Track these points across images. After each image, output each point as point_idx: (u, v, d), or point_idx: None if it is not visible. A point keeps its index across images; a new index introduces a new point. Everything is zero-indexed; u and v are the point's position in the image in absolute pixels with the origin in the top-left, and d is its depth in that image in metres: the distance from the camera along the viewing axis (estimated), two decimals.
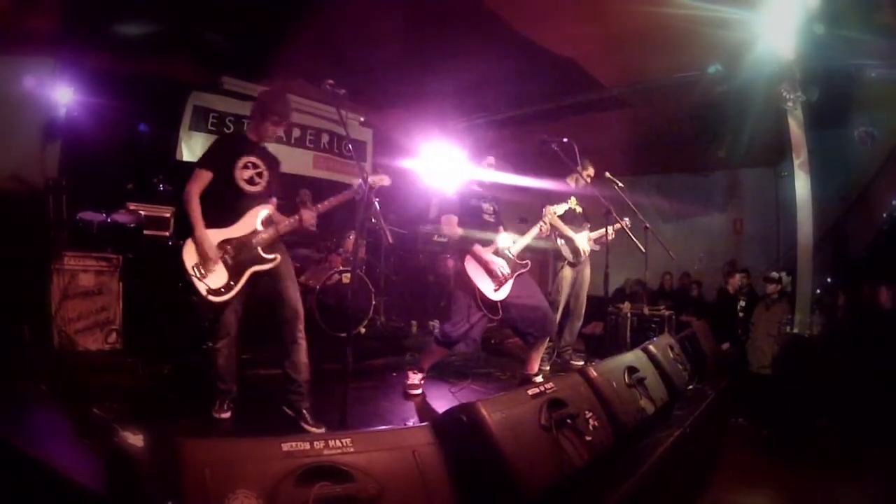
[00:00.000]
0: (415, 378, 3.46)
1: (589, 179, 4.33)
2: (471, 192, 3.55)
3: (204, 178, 2.63)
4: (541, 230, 3.53)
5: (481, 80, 5.61)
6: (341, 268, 4.78)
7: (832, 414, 4.16)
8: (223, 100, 5.87)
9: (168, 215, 4.50)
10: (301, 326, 2.71)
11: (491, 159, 3.60)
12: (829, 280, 5.67)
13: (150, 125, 5.56)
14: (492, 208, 3.60)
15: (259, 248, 2.68)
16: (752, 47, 4.48)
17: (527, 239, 3.53)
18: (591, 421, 1.99)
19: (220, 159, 2.68)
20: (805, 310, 5.15)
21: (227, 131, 5.77)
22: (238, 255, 2.63)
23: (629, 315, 4.80)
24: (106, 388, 3.03)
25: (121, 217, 4.32)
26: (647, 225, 4.22)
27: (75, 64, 4.87)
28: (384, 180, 2.74)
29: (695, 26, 4.16)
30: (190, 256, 2.57)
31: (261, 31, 4.75)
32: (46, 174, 4.60)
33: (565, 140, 3.70)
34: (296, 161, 6.57)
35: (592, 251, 4.47)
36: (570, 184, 4.34)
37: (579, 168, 4.14)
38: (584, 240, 4.40)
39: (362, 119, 7.10)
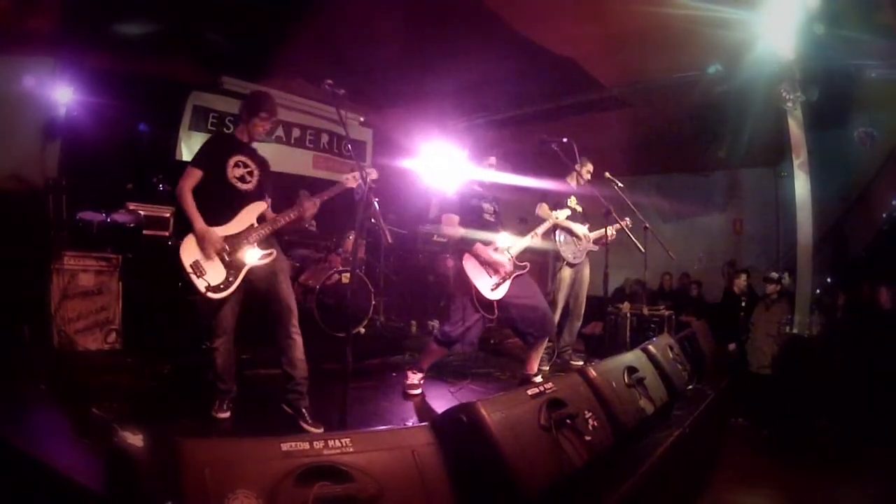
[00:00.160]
0: (414, 378, 3.46)
1: (589, 175, 4.33)
2: (471, 192, 3.55)
3: (195, 175, 2.67)
4: (533, 236, 3.55)
5: (481, 80, 5.61)
6: (341, 268, 4.78)
7: (832, 414, 4.16)
8: (223, 100, 5.86)
9: (168, 215, 4.50)
10: (295, 322, 2.73)
11: (493, 159, 3.60)
12: (828, 280, 5.67)
13: (150, 125, 5.56)
14: (492, 208, 3.60)
15: (255, 244, 2.70)
16: (752, 47, 4.48)
17: (525, 241, 3.54)
18: (590, 421, 1.99)
19: (211, 158, 2.72)
20: (805, 310, 5.15)
21: (228, 131, 5.77)
22: (235, 251, 2.65)
23: (629, 315, 4.80)
24: (106, 388, 3.03)
25: (121, 217, 4.32)
26: (647, 225, 4.22)
27: (75, 64, 4.87)
28: (372, 174, 2.76)
29: (695, 26, 4.16)
30: (187, 255, 2.58)
31: (261, 31, 4.74)
32: (46, 174, 4.61)
33: (565, 140, 3.71)
34: (296, 161, 6.57)
35: (592, 251, 4.47)
36: (571, 183, 4.34)
37: (578, 166, 4.15)
38: (584, 230, 4.40)
39: (362, 119, 7.10)
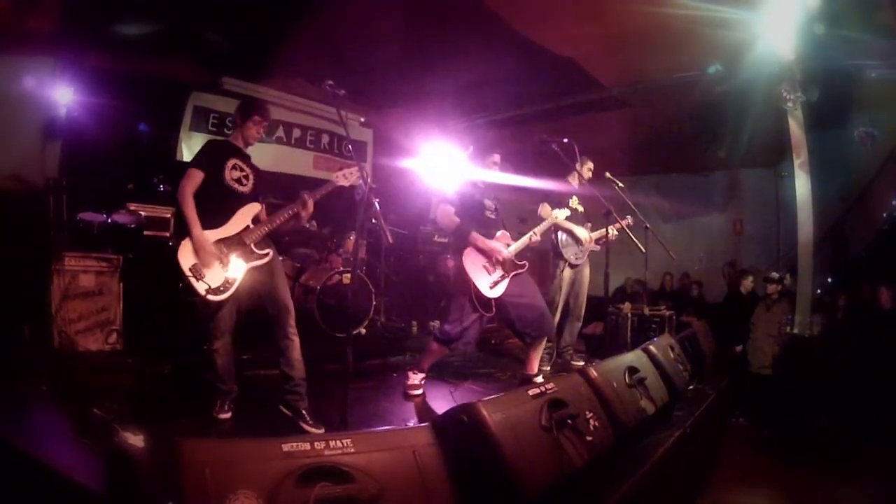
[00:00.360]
0: (415, 378, 3.46)
1: (590, 174, 4.33)
2: (473, 189, 3.55)
3: (197, 177, 2.68)
4: (531, 239, 3.53)
5: (481, 80, 5.61)
6: (341, 268, 4.78)
7: (832, 414, 4.16)
8: (223, 100, 5.85)
9: (168, 216, 4.50)
10: (292, 322, 2.74)
11: (496, 157, 3.60)
12: (829, 280, 5.67)
13: (150, 125, 5.55)
14: (494, 205, 3.60)
15: (252, 245, 2.71)
16: (752, 47, 4.48)
17: (524, 241, 3.53)
18: (591, 421, 1.99)
19: (211, 160, 2.74)
20: (805, 310, 5.15)
21: (228, 132, 5.77)
22: (233, 252, 2.66)
23: (629, 315, 4.79)
24: (106, 388, 3.03)
25: (121, 217, 4.32)
26: (648, 225, 4.22)
27: (75, 64, 4.86)
28: (355, 173, 2.80)
29: (695, 26, 4.16)
30: (186, 258, 2.58)
31: (261, 31, 4.75)
32: (46, 174, 4.60)
33: (565, 140, 3.70)
34: (296, 161, 6.57)
35: (592, 251, 4.47)
36: (573, 183, 4.34)
37: (578, 165, 4.14)
38: (585, 234, 4.39)
39: (362, 119, 7.10)
